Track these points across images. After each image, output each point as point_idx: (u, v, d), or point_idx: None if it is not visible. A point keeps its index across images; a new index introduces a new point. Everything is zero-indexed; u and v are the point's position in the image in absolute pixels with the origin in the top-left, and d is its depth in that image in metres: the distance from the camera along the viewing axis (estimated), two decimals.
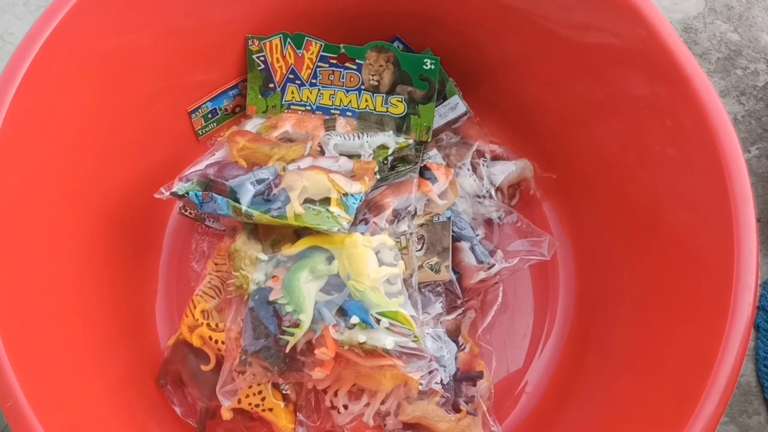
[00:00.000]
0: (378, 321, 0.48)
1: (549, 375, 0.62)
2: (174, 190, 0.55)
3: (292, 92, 0.64)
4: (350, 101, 0.64)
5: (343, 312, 0.49)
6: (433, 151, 0.63)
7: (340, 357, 0.49)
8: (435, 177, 0.59)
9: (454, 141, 0.65)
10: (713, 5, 0.82)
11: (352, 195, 0.54)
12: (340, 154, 0.59)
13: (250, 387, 0.54)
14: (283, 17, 0.63)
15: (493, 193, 0.63)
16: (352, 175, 0.56)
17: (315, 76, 0.64)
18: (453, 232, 0.57)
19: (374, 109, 0.63)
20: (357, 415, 0.53)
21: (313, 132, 0.60)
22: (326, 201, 0.54)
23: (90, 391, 0.51)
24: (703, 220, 0.47)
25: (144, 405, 0.57)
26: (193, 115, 0.65)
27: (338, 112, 0.64)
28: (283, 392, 0.55)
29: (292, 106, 0.64)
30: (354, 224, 0.54)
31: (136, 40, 0.56)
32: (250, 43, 0.63)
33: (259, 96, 0.65)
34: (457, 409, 0.54)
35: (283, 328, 0.49)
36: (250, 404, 0.54)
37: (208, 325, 0.56)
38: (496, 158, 0.65)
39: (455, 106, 0.65)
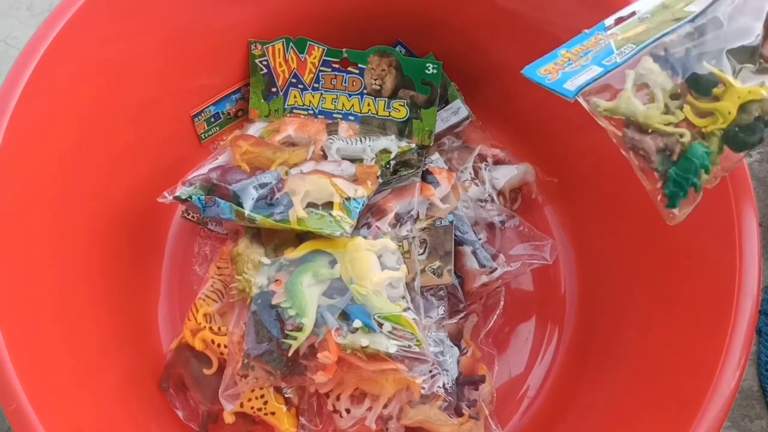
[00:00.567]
0: (380, 325, 0.48)
1: (551, 379, 0.62)
2: (177, 194, 0.55)
3: (295, 96, 0.64)
4: (352, 105, 0.64)
5: (345, 316, 0.49)
6: (435, 155, 0.63)
7: (342, 361, 0.49)
8: (437, 181, 0.59)
9: (456, 145, 0.65)
10: None
11: (354, 199, 0.54)
12: (343, 159, 0.59)
13: (253, 391, 0.54)
14: (285, 22, 0.63)
15: (495, 197, 0.63)
16: (355, 179, 0.56)
17: (317, 81, 0.64)
18: (455, 236, 0.57)
19: (376, 114, 0.63)
20: (359, 419, 0.53)
21: (316, 136, 0.60)
22: (329, 205, 0.54)
23: (92, 394, 0.52)
24: (706, 224, 0.47)
25: (146, 408, 0.57)
26: (196, 119, 0.65)
27: (341, 116, 0.64)
28: (286, 396, 0.55)
29: (294, 111, 0.65)
30: (357, 228, 0.54)
31: (139, 45, 0.56)
32: (252, 47, 0.63)
33: (262, 100, 0.65)
34: (459, 413, 0.53)
35: (286, 331, 0.49)
36: (252, 408, 0.54)
37: (211, 328, 0.56)
38: (498, 162, 0.65)
39: (457, 111, 0.65)
